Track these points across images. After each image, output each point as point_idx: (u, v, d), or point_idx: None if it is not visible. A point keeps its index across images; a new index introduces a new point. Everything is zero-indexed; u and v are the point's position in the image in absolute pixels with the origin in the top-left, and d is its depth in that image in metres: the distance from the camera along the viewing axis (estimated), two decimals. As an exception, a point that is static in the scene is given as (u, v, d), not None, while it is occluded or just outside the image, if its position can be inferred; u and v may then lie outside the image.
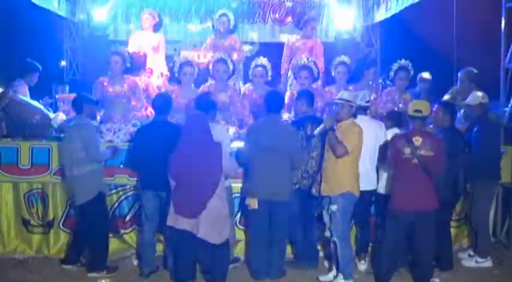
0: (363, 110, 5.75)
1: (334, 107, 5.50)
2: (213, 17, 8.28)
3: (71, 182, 5.69)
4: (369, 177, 5.71)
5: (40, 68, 7.43)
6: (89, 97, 5.94)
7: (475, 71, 7.11)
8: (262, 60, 7.03)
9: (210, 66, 7.00)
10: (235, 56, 7.73)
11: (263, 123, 5.71)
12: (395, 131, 5.82)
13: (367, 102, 5.81)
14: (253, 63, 7.11)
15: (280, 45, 9.94)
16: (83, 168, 5.55)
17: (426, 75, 7.71)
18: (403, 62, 6.93)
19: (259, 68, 6.96)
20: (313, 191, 5.60)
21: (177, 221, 5.04)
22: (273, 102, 5.70)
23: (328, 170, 5.39)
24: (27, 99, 6.83)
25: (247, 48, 9.08)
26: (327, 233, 5.48)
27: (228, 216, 5.25)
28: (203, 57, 7.80)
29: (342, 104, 5.37)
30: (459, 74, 7.26)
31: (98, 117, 6.75)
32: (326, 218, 5.49)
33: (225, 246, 5.21)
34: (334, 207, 5.35)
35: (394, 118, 6.01)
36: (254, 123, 6.21)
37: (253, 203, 5.47)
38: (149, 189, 5.57)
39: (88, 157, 5.55)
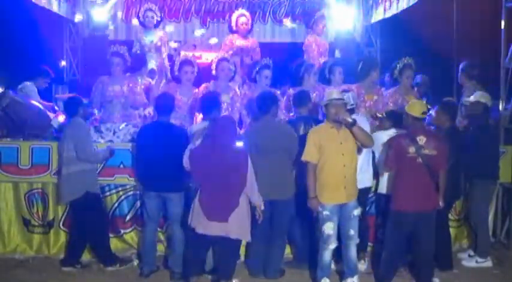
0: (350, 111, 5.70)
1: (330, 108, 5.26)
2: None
3: (59, 181, 5.86)
4: (363, 175, 5.68)
5: (53, 75, 7.58)
6: (81, 99, 6.05)
7: (471, 66, 7.04)
8: (267, 60, 6.94)
9: (213, 66, 6.98)
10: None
11: (259, 125, 5.76)
12: (394, 131, 5.80)
13: (352, 105, 5.64)
14: (258, 65, 6.96)
15: (280, 45, 9.98)
16: (72, 167, 5.67)
17: (423, 77, 7.71)
18: (407, 59, 6.93)
19: (267, 70, 6.86)
20: (319, 209, 5.21)
21: (208, 228, 5.04)
22: (262, 104, 5.74)
23: (348, 176, 5.19)
24: (28, 99, 6.84)
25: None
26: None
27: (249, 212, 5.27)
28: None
29: (340, 103, 5.25)
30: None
31: (97, 117, 6.77)
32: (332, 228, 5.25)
33: (239, 245, 5.30)
34: (360, 211, 5.29)
35: (392, 118, 5.99)
36: (251, 125, 6.23)
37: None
38: (152, 190, 5.56)
39: (79, 157, 5.66)
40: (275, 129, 5.63)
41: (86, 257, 6.02)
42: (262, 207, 5.23)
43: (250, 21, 8.53)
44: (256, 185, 5.16)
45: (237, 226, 5.05)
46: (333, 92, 5.36)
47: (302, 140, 5.48)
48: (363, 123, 5.59)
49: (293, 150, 5.55)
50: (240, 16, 8.48)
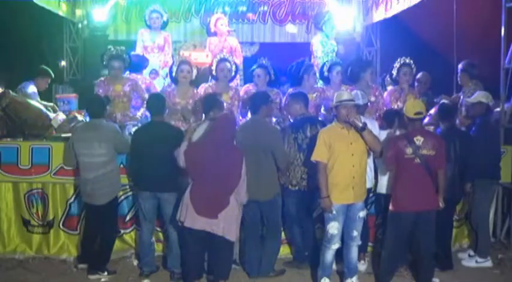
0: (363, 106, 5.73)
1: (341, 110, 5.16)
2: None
3: (91, 184, 5.57)
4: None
5: (52, 75, 7.54)
6: (104, 99, 6.06)
7: (472, 65, 7.02)
8: (263, 60, 7.02)
9: (213, 67, 6.99)
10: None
11: (246, 124, 5.81)
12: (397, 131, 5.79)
13: (365, 101, 5.77)
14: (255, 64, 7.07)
15: (280, 45, 9.98)
16: (105, 168, 5.54)
17: (423, 74, 7.71)
18: (404, 59, 6.94)
19: (259, 69, 6.95)
20: (322, 209, 5.22)
21: (195, 222, 5.01)
22: (251, 104, 5.78)
23: (357, 176, 5.16)
24: (28, 99, 6.85)
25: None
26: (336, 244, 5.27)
27: (240, 212, 5.22)
28: (205, 57, 7.86)
29: (351, 105, 5.18)
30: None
31: None
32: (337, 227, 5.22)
33: (232, 244, 5.25)
34: (365, 213, 5.31)
35: (391, 119, 5.98)
36: (240, 125, 6.25)
37: None
38: (147, 189, 5.55)
39: (124, 153, 5.77)
40: (260, 129, 5.63)
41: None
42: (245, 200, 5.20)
43: (227, 23, 8.47)
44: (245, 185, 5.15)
45: (224, 224, 4.99)
46: (344, 94, 5.29)
47: (312, 141, 5.42)
48: (373, 126, 5.55)
49: (276, 151, 5.55)
50: (218, 19, 8.45)
